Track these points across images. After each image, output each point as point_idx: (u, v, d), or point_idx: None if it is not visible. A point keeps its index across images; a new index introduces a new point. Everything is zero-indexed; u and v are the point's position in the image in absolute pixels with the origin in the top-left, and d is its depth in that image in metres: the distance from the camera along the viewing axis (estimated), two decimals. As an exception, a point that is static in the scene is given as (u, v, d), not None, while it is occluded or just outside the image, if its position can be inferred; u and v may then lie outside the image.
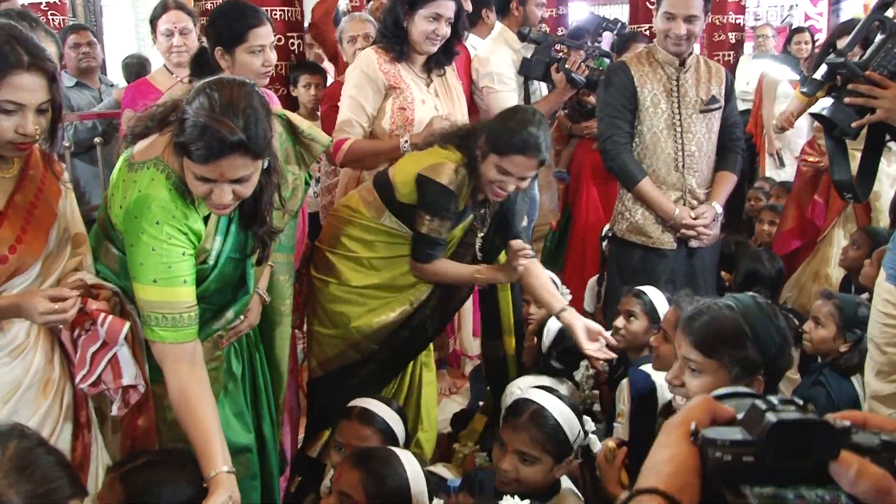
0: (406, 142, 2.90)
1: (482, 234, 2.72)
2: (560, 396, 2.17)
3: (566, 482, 2.15)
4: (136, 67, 5.43)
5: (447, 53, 3.13)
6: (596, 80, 3.62)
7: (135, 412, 2.02)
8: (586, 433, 2.14)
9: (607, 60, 3.72)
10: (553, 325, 2.72)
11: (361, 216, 2.65)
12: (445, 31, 2.98)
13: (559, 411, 2.08)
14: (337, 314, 2.68)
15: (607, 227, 3.82)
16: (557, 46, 3.79)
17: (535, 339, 2.80)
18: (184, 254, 1.88)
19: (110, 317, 1.86)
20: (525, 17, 3.97)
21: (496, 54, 3.89)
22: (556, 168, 4.79)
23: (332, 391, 2.73)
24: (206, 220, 1.98)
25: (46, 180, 1.95)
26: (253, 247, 2.10)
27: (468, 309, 3.48)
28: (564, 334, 2.66)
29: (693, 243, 3.18)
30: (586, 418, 2.17)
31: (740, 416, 0.71)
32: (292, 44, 4.02)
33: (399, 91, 3.03)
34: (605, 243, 3.89)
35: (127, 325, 1.86)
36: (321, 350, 2.75)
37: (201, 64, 2.63)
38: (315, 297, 2.73)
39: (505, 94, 3.83)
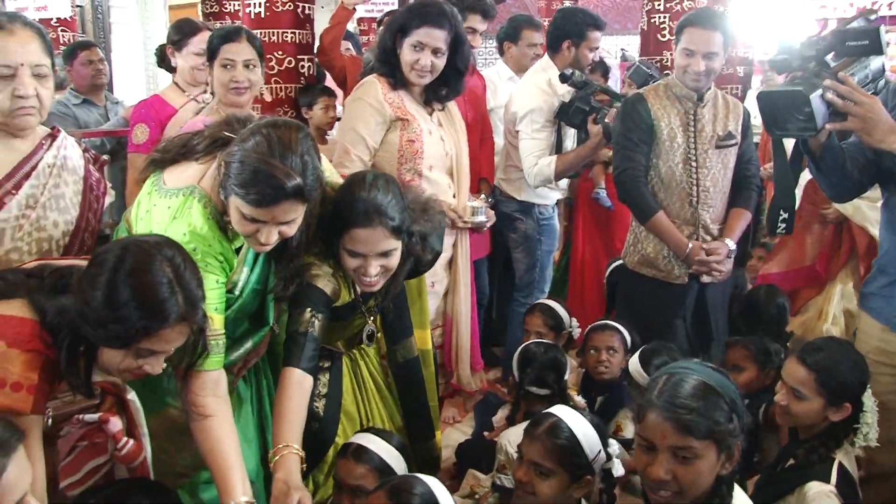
0: None
1: (371, 319, 2.48)
2: (584, 415, 2.12)
3: None
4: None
5: (450, 89, 3.09)
6: None
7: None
8: (609, 456, 2.08)
9: None
10: None
11: None
12: (430, 61, 2.92)
13: (577, 426, 2.05)
14: None
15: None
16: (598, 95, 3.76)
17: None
18: (217, 282, 1.87)
19: (131, 442, 1.83)
20: (576, 59, 3.94)
21: (534, 98, 3.86)
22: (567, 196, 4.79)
23: None
24: (237, 251, 1.97)
25: None
26: (275, 283, 2.08)
27: (465, 344, 3.45)
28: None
29: (705, 279, 3.15)
30: (612, 441, 2.12)
31: None
32: (302, 66, 4.00)
33: (406, 122, 3.00)
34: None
35: (143, 454, 1.85)
36: None
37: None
38: None
39: (538, 141, 3.83)
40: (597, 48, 4.07)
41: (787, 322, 3.52)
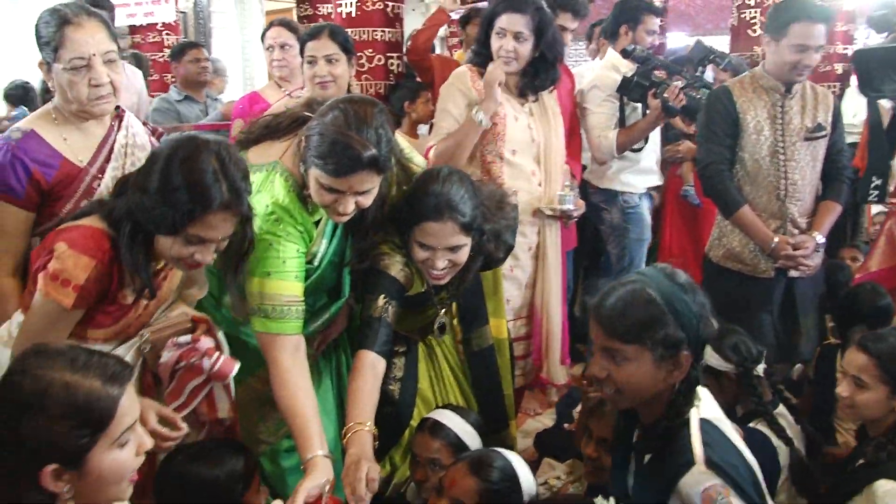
0: (479, 113, 2.96)
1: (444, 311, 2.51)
2: None
3: None
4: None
5: (542, 78, 3.15)
6: (695, 108, 3.58)
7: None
8: None
9: (708, 92, 3.66)
10: None
11: None
12: (512, 46, 3.00)
13: None
14: None
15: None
16: (659, 70, 3.76)
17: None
18: (297, 251, 1.98)
19: (223, 356, 1.96)
20: (633, 42, 3.99)
21: (600, 77, 3.93)
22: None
23: None
24: (315, 224, 2.07)
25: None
26: (351, 256, 2.17)
27: (556, 335, 3.47)
28: None
29: (793, 273, 3.08)
30: None
31: None
32: (392, 64, 4.10)
33: None
34: None
35: (237, 365, 1.96)
36: None
37: None
38: None
39: (600, 115, 3.86)
40: (655, 32, 4.14)
41: (889, 324, 3.38)
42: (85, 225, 1.82)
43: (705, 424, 1.67)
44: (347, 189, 1.88)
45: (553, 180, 3.27)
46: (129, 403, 1.40)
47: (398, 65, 4.14)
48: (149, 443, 1.47)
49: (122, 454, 1.40)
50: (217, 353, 1.95)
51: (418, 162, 2.33)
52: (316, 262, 2.10)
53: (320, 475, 1.77)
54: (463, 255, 2.20)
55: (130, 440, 1.42)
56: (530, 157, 3.18)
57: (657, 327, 1.65)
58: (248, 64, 8.35)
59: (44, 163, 2.00)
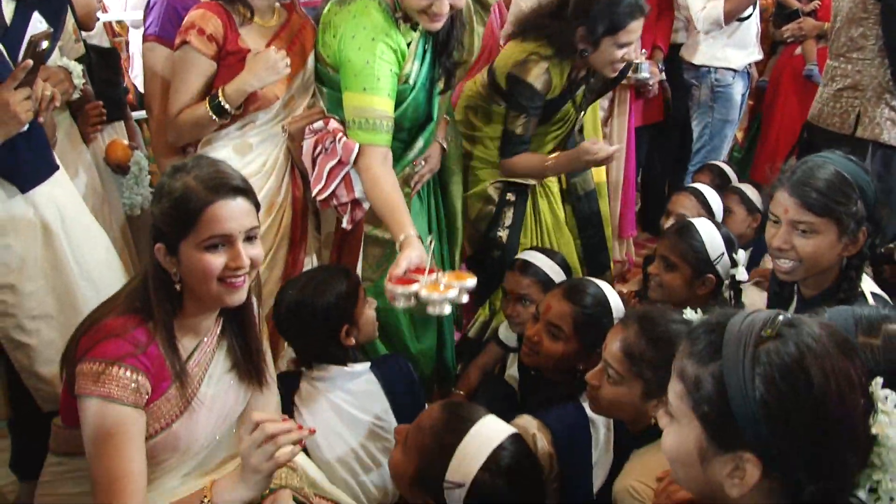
0: None
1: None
2: (718, 226, 2.36)
3: None
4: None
5: None
6: None
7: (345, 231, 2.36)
8: (735, 263, 2.29)
9: None
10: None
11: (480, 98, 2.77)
12: None
13: (705, 229, 2.30)
14: None
15: None
16: None
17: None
18: (391, 71, 2.16)
19: (346, 137, 2.17)
20: None
21: None
22: (761, 78, 4.60)
23: None
24: (408, 46, 2.24)
25: (304, 30, 2.29)
26: (439, 76, 2.36)
27: (615, 210, 3.55)
28: None
29: None
30: (742, 252, 2.34)
31: None
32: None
33: None
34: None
35: (357, 145, 2.15)
36: None
37: None
38: None
39: None
40: None
41: None
42: None
43: (877, 298, 1.83)
44: None
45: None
46: (226, 215, 1.50)
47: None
48: (245, 266, 1.54)
49: (209, 258, 1.50)
50: (340, 134, 2.18)
51: None
52: (410, 82, 2.28)
53: (413, 250, 1.94)
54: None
55: (222, 250, 1.52)
56: None
57: (849, 203, 1.78)
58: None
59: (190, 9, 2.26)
